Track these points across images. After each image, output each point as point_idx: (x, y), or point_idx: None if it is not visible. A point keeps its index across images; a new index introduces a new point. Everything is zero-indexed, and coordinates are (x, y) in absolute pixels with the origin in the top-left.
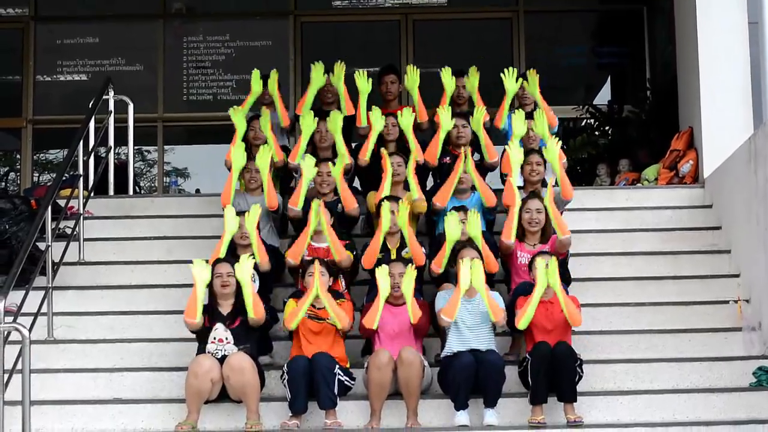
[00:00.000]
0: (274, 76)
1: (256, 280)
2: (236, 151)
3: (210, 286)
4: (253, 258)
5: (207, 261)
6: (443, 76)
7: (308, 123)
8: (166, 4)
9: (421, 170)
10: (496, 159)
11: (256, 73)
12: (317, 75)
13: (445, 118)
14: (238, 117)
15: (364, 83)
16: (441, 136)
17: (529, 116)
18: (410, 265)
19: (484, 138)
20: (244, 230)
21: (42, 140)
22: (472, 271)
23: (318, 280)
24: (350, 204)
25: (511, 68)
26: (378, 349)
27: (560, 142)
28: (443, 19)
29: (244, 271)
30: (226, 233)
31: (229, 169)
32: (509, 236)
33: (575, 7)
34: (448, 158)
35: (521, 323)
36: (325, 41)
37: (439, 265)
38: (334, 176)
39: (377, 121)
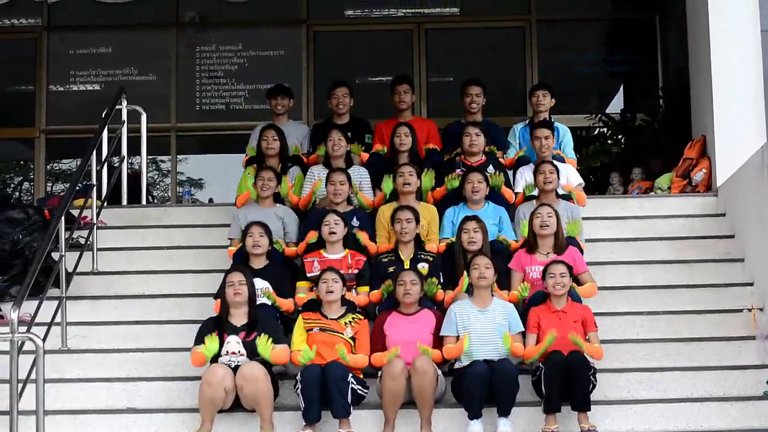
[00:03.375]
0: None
1: (264, 297)
2: (210, 345)
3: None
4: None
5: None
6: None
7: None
8: (179, 14)
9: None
10: (513, 198)
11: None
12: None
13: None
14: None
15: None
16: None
17: (542, 125)
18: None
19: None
20: (256, 238)
21: (55, 150)
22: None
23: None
24: (372, 250)
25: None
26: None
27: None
28: (456, 28)
29: (265, 351)
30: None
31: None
32: (527, 359)
33: (587, 15)
34: (459, 171)
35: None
36: (337, 50)
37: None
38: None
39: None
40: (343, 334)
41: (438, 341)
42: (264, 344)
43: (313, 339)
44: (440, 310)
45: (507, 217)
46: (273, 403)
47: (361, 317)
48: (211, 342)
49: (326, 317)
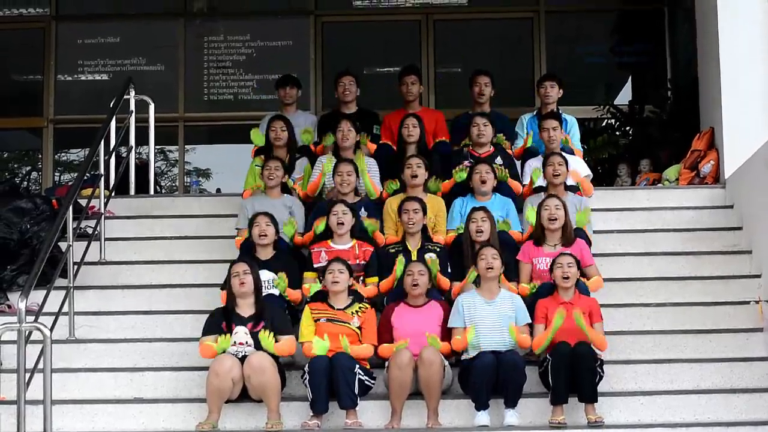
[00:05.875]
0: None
1: (273, 289)
2: (222, 342)
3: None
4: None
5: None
6: None
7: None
8: (187, 4)
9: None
10: (521, 189)
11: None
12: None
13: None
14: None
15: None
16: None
17: (550, 116)
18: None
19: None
20: (262, 228)
21: (63, 140)
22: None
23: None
24: (380, 242)
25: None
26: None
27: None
28: (464, 19)
29: (269, 346)
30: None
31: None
32: (536, 347)
33: (596, 6)
34: (467, 162)
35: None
36: (345, 41)
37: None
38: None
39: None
40: (350, 324)
41: (446, 333)
42: (267, 339)
43: (320, 329)
44: (447, 301)
45: (514, 209)
46: (280, 393)
47: (368, 306)
48: (224, 341)
49: (333, 307)
